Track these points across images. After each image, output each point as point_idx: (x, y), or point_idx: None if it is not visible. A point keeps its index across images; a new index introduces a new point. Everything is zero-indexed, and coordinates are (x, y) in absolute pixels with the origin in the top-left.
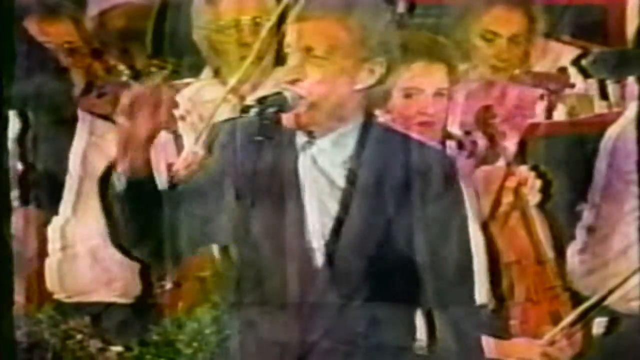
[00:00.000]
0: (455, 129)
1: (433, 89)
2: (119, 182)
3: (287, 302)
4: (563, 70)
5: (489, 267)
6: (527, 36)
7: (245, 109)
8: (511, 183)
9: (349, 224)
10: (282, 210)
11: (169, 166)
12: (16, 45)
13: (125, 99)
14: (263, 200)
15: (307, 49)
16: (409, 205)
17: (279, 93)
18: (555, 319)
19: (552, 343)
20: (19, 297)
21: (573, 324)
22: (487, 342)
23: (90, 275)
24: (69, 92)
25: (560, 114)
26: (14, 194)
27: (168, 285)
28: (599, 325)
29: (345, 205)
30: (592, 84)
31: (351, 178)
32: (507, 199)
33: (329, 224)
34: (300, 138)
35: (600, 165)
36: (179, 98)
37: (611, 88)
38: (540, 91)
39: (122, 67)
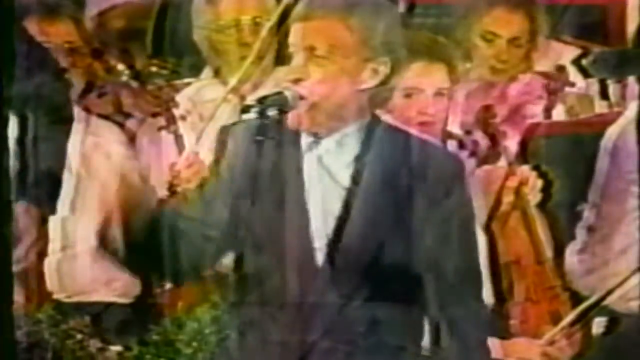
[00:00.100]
0: (455, 129)
1: (433, 89)
2: None
3: (287, 301)
4: (562, 68)
5: (489, 267)
6: (528, 38)
7: (245, 109)
8: (512, 183)
9: (352, 224)
10: (283, 210)
11: (171, 166)
12: (16, 45)
13: None
14: (264, 200)
15: (310, 48)
16: (414, 205)
17: (279, 93)
18: (555, 319)
19: (552, 343)
20: (18, 297)
21: (573, 323)
22: (493, 343)
23: (89, 275)
24: (68, 92)
25: (559, 113)
26: (14, 193)
27: (168, 285)
28: (598, 325)
29: (348, 205)
30: (593, 83)
31: (356, 178)
32: (508, 198)
33: (332, 223)
34: (307, 138)
35: (601, 165)
36: (179, 98)
37: (612, 88)
38: (540, 91)
39: (121, 67)
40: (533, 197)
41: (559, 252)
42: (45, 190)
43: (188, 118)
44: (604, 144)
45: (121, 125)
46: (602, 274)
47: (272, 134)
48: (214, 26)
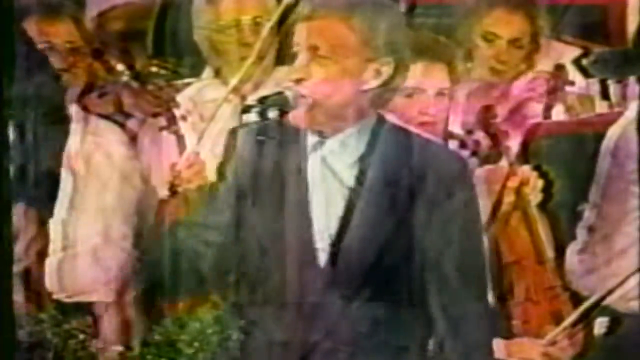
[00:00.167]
0: (457, 129)
1: (434, 89)
2: None
3: (289, 302)
4: (561, 67)
5: (490, 267)
6: (529, 40)
7: (246, 109)
8: (513, 183)
9: (355, 224)
10: (285, 210)
11: (172, 166)
12: (16, 46)
13: None
14: (265, 200)
15: (313, 48)
16: (418, 205)
17: (280, 93)
18: (557, 319)
19: (553, 343)
20: (19, 297)
21: (574, 324)
22: (497, 343)
23: (90, 275)
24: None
25: (559, 113)
26: (14, 194)
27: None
28: (600, 325)
29: (352, 205)
30: (593, 83)
31: (360, 178)
32: (509, 198)
33: (335, 224)
34: (312, 138)
35: (602, 165)
36: (180, 98)
37: (612, 88)
38: (543, 88)
39: (121, 67)
40: (534, 197)
41: (559, 253)
42: (45, 190)
43: (189, 118)
44: (606, 144)
45: (122, 126)
46: (602, 274)
47: (273, 134)
48: (215, 26)
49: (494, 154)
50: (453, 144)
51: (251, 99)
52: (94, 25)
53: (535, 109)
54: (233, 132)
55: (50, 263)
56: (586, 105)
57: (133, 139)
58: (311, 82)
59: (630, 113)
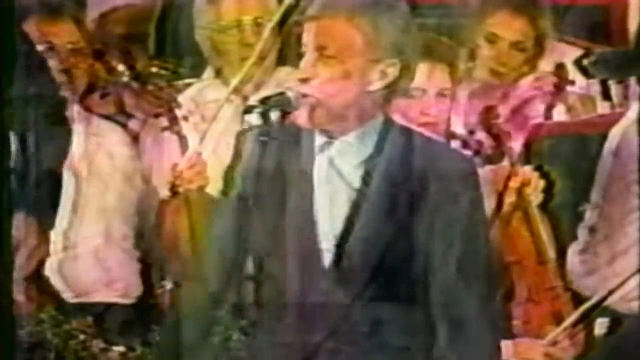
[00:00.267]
0: (459, 129)
1: (435, 90)
2: None
3: (292, 302)
4: (561, 66)
5: None
6: (533, 43)
7: (248, 110)
8: (515, 183)
9: (360, 225)
10: (287, 210)
11: (173, 167)
12: (17, 46)
13: None
14: (267, 201)
15: (320, 47)
16: (425, 206)
17: (282, 93)
18: (558, 319)
19: (554, 343)
20: (20, 297)
21: (575, 324)
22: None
23: (91, 276)
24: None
25: (560, 113)
26: (15, 194)
27: (169, 285)
28: (601, 325)
29: (357, 206)
30: (594, 84)
31: (367, 179)
32: (510, 199)
33: (340, 225)
34: (320, 139)
35: (604, 165)
36: (181, 98)
37: (614, 88)
38: (549, 87)
39: (122, 67)
40: (535, 197)
41: (561, 253)
42: (46, 191)
43: (190, 119)
44: (608, 144)
45: (124, 126)
46: (603, 274)
47: (275, 135)
48: (216, 26)
49: (496, 155)
50: (455, 145)
51: (253, 100)
52: (95, 26)
53: (537, 110)
54: (240, 136)
55: (51, 263)
56: (587, 105)
57: (135, 139)
58: (317, 81)
59: (631, 114)
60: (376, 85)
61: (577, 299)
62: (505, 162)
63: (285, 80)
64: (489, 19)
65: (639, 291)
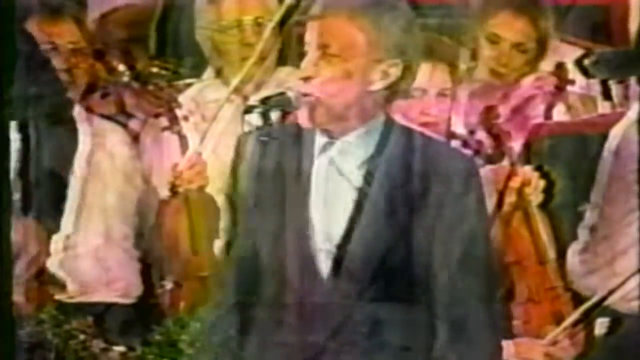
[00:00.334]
0: (459, 129)
1: (436, 90)
2: None
3: (292, 302)
4: (561, 66)
5: None
6: (534, 45)
7: (248, 110)
8: (515, 183)
9: (362, 226)
10: (288, 211)
11: (173, 167)
12: (18, 46)
13: None
14: (267, 201)
15: (323, 46)
16: (427, 206)
17: (282, 93)
18: (558, 319)
19: (554, 343)
20: (20, 298)
21: (575, 324)
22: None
23: (91, 276)
24: (70, 93)
25: (560, 113)
26: (16, 195)
27: (169, 285)
28: (601, 325)
29: (359, 207)
30: (595, 84)
31: (368, 179)
32: (510, 199)
33: (341, 226)
34: (321, 139)
35: (604, 165)
36: (182, 98)
37: (614, 88)
38: (550, 87)
39: (122, 67)
40: (535, 197)
41: (561, 253)
42: (47, 192)
43: (191, 118)
44: (608, 144)
45: (124, 126)
46: (603, 274)
47: (276, 135)
48: (216, 26)
49: (496, 154)
50: (455, 144)
51: (253, 100)
52: (96, 26)
53: (538, 110)
54: (241, 139)
55: (51, 263)
56: (588, 105)
57: (135, 139)
58: (318, 80)
59: (631, 114)
60: (378, 85)
61: (577, 299)
62: (506, 162)
63: (285, 80)
64: (491, 19)
65: (639, 291)
